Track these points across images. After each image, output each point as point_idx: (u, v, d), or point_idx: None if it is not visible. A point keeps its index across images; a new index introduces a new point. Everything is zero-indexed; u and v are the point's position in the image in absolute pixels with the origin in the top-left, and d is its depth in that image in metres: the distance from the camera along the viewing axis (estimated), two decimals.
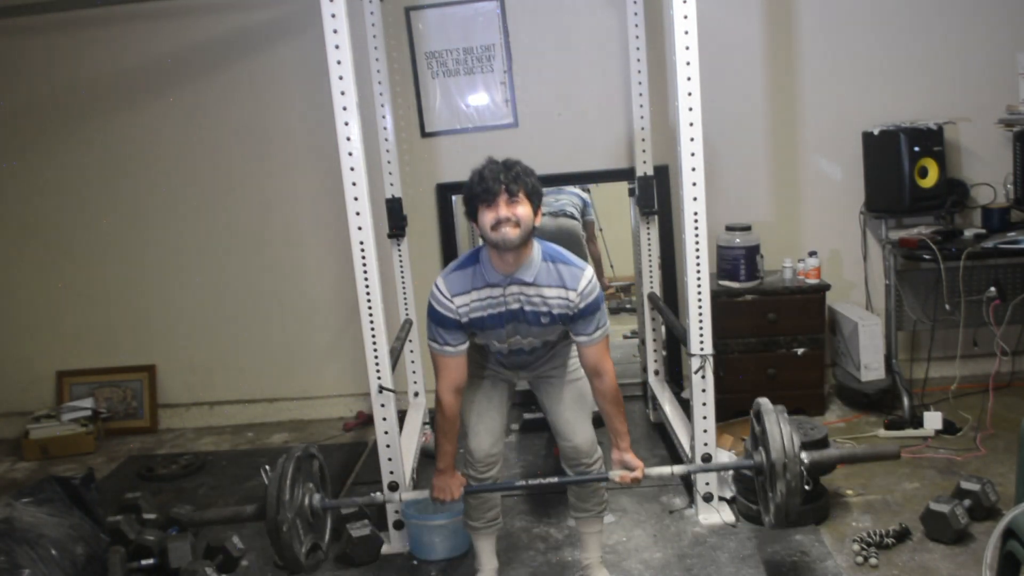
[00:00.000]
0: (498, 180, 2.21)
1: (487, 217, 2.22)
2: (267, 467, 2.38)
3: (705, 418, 2.93)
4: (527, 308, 2.32)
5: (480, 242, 2.36)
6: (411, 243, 3.89)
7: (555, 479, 2.52)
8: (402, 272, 3.87)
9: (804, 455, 2.32)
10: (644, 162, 3.81)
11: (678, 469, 2.59)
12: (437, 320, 2.35)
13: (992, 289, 3.53)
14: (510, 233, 2.21)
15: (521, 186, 2.24)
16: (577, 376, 2.54)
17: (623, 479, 2.45)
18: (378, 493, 2.76)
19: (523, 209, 2.23)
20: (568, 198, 5.11)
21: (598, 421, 2.59)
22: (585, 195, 5.23)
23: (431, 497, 2.49)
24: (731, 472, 3.06)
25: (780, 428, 2.32)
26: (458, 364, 2.38)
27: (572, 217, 5.05)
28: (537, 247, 2.33)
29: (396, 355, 3.17)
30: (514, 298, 2.32)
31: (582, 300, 2.31)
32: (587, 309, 2.32)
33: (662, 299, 3.91)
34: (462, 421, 2.50)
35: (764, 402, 2.44)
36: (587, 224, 5.21)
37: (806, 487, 2.30)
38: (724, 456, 3.14)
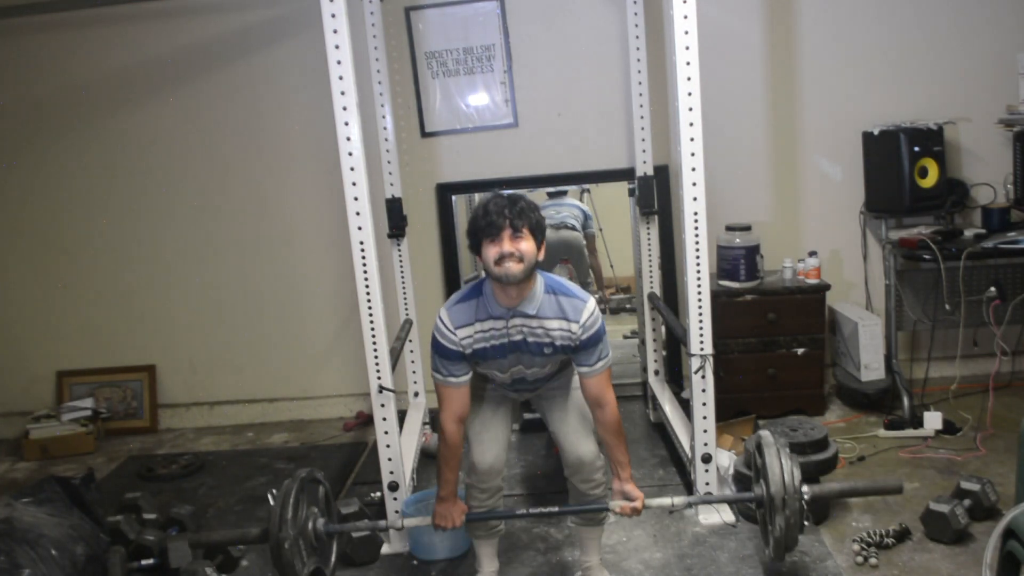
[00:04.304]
0: (503, 215, 2.23)
1: (491, 252, 2.24)
2: (273, 491, 2.44)
3: (705, 418, 2.93)
4: (530, 339, 2.34)
5: (483, 273, 2.37)
6: (411, 243, 3.89)
7: (556, 508, 2.54)
8: (402, 272, 3.87)
9: (805, 488, 2.32)
10: (644, 162, 3.81)
11: (679, 501, 2.57)
12: (441, 352, 2.37)
13: (992, 289, 3.53)
14: (513, 268, 2.22)
15: (525, 221, 2.25)
16: (578, 386, 2.53)
17: (623, 510, 2.46)
18: (382, 522, 2.73)
19: (526, 244, 2.24)
20: (569, 210, 5.14)
21: None
22: (585, 207, 5.25)
23: (432, 524, 2.51)
24: (731, 472, 3.06)
25: (780, 462, 2.33)
26: (461, 395, 2.41)
27: (573, 229, 5.08)
28: (540, 280, 2.35)
29: (396, 355, 3.17)
30: (517, 330, 2.34)
31: (584, 332, 2.33)
32: (589, 341, 2.35)
33: (662, 299, 3.91)
34: (465, 432, 2.50)
35: (765, 435, 2.46)
36: (588, 237, 5.22)
37: (805, 523, 2.31)
38: (724, 456, 3.14)
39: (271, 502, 2.40)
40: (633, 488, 2.47)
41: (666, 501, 2.56)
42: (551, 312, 2.33)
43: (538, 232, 2.28)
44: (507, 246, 2.22)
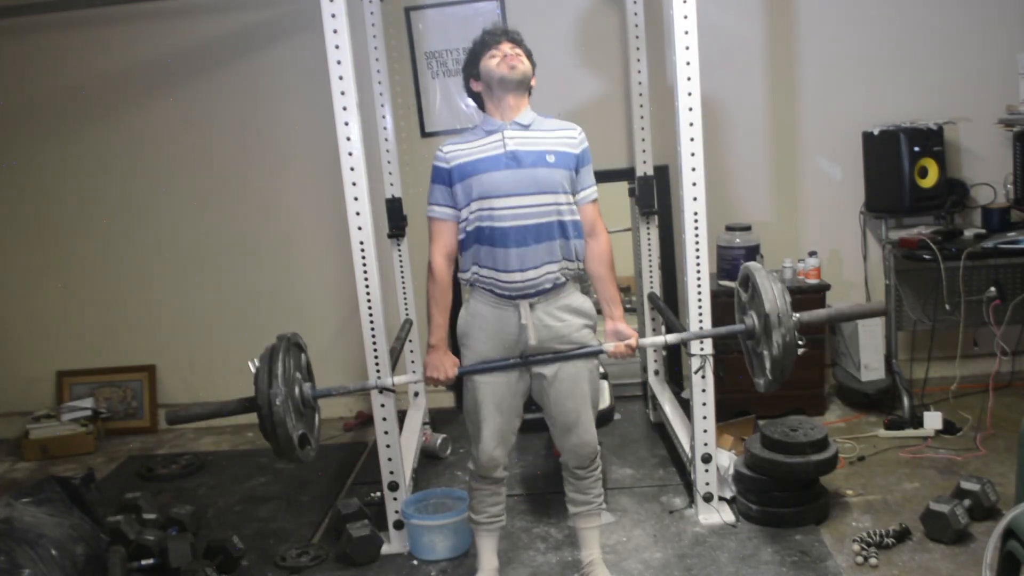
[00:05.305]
0: (499, 30, 2.42)
1: (492, 61, 2.37)
2: (253, 360, 2.30)
3: (705, 418, 2.93)
4: (528, 147, 2.37)
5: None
6: (411, 243, 3.89)
7: (551, 356, 2.39)
8: (402, 272, 3.87)
9: (795, 315, 2.32)
10: (644, 162, 3.81)
11: (671, 338, 2.64)
12: (434, 178, 2.43)
13: (992, 289, 3.53)
14: (518, 66, 2.36)
15: (521, 42, 2.42)
16: (584, 375, 2.48)
17: (617, 349, 2.45)
18: (368, 381, 2.72)
19: (524, 59, 2.39)
20: None
21: (600, 420, 2.58)
22: None
23: (424, 377, 2.46)
24: (731, 472, 3.06)
25: (771, 285, 2.34)
26: (450, 228, 2.42)
27: None
28: (532, 111, 2.45)
29: (396, 355, 3.17)
30: (513, 141, 2.38)
31: (582, 142, 2.44)
32: (587, 154, 2.45)
33: (662, 299, 3.91)
34: (469, 423, 2.49)
35: (752, 264, 2.47)
36: None
37: (799, 344, 2.31)
38: (724, 456, 3.14)
39: (252, 369, 2.24)
40: (626, 327, 2.46)
41: (659, 339, 2.66)
42: (547, 125, 2.44)
43: (531, 58, 2.43)
44: (507, 49, 2.37)
